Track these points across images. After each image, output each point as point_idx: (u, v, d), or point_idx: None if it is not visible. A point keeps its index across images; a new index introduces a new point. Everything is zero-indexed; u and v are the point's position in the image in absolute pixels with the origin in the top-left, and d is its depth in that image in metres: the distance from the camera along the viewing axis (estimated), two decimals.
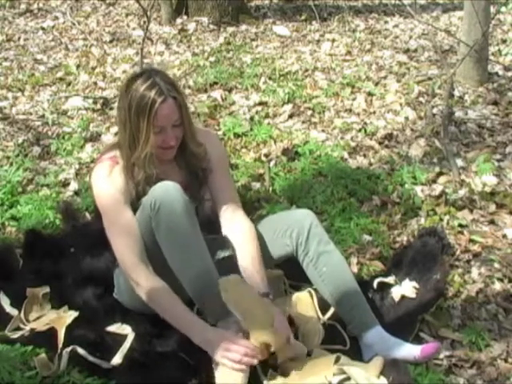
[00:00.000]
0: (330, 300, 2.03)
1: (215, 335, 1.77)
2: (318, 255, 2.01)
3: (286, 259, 2.11)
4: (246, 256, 1.97)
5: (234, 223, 2.04)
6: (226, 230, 2.05)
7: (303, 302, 2.11)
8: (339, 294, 2.00)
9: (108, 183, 1.94)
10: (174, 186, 1.87)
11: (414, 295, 2.14)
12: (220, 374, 1.74)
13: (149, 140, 1.88)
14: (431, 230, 2.44)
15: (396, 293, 2.16)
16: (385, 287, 2.20)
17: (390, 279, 2.23)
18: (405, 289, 2.16)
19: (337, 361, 1.82)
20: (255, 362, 1.72)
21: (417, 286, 2.17)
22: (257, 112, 3.60)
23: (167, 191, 1.86)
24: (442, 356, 2.00)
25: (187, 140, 2.00)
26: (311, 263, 2.02)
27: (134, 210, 1.94)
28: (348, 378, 1.75)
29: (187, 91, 3.86)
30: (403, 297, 2.15)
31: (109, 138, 3.32)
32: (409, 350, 1.90)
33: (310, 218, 2.05)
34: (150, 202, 1.85)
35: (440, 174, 2.96)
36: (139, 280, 1.87)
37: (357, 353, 1.94)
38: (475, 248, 2.47)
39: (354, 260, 2.41)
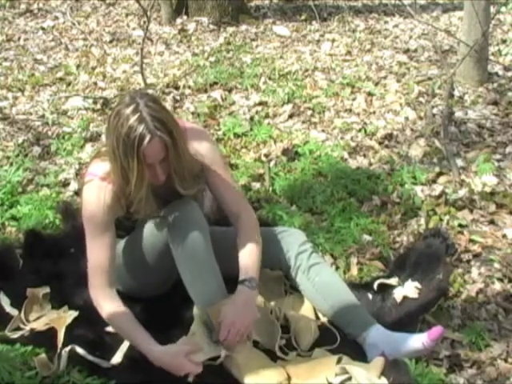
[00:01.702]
0: (325, 308, 2.06)
1: (162, 354, 1.82)
2: (309, 267, 2.09)
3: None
4: (246, 248, 2.01)
5: (236, 218, 2.07)
6: (233, 223, 2.10)
7: (302, 304, 2.12)
8: (334, 300, 2.04)
9: (97, 207, 1.89)
10: (193, 205, 1.98)
11: (416, 295, 2.14)
12: None
13: (143, 180, 1.82)
14: (435, 231, 2.44)
15: (398, 294, 2.15)
16: (387, 288, 2.20)
17: (393, 281, 2.22)
18: (407, 290, 2.16)
19: (339, 361, 1.82)
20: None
21: (419, 286, 2.16)
22: (257, 112, 3.60)
23: (188, 212, 1.96)
24: (441, 356, 2.00)
25: (178, 174, 1.91)
26: (304, 275, 2.09)
27: (125, 218, 1.99)
28: (349, 379, 1.75)
29: (187, 91, 3.86)
30: (405, 297, 2.14)
31: None
32: (416, 339, 1.90)
33: (299, 236, 2.15)
34: (170, 217, 1.94)
35: (440, 174, 2.96)
36: (101, 301, 1.90)
37: (358, 354, 1.94)
38: (475, 248, 2.47)
39: (353, 260, 2.41)
